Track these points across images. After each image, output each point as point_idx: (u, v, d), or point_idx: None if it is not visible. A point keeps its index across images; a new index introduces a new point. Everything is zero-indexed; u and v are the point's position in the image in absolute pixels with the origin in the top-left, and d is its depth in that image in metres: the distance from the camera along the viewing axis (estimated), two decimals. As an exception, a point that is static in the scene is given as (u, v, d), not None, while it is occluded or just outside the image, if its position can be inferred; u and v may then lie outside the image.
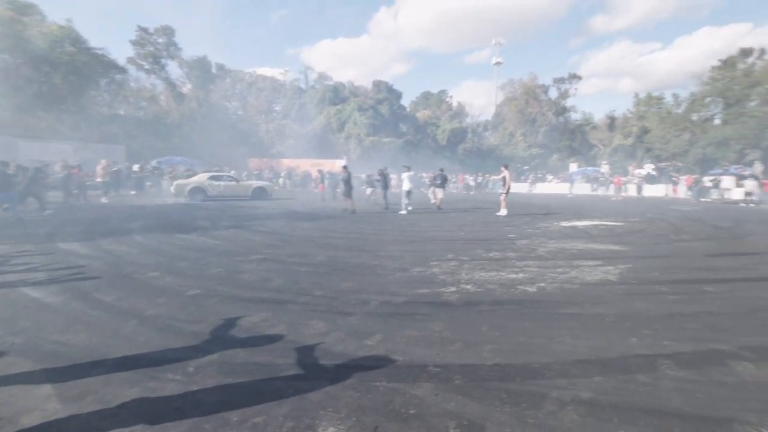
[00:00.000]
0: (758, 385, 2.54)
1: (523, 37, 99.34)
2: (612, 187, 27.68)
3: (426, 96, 56.64)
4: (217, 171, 20.64)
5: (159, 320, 3.52)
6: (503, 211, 12.62)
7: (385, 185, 15.66)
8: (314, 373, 2.64)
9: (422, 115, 49.90)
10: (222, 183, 18.11)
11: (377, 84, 47.26)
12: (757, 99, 28.13)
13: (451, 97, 58.21)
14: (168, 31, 38.97)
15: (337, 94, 45.59)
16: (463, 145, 43.69)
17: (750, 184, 18.52)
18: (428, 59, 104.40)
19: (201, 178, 18.14)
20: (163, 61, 39.84)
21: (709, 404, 2.33)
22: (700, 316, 3.73)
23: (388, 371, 2.65)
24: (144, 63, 38.67)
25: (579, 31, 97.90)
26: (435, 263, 5.75)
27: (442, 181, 15.82)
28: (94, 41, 32.56)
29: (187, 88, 42.66)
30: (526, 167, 38.72)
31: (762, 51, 29.95)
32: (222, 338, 3.16)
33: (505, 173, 12.89)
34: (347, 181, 13.48)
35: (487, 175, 35.28)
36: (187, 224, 9.92)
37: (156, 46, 38.94)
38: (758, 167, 22.08)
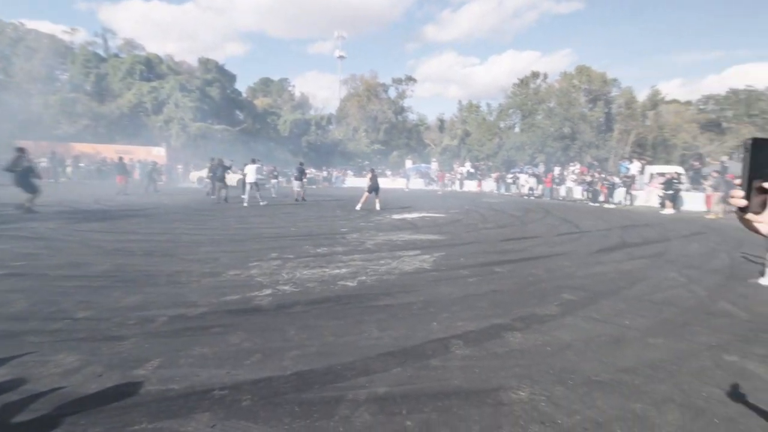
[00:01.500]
0: (522, 352, 2.92)
1: (364, 33, 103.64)
2: (439, 182, 31.53)
3: (266, 82, 52.52)
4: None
5: None
6: (377, 206, 13.26)
7: (221, 177, 14.73)
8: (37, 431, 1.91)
9: (261, 102, 46.33)
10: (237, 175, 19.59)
11: (204, 62, 40.81)
12: (542, 113, 35.97)
13: (293, 86, 55.77)
14: None
15: (151, 68, 37.89)
16: (306, 138, 42.36)
17: (531, 181, 23.37)
18: (267, 43, 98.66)
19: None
20: None
21: (484, 377, 2.53)
22: (488, 294, 4.23)
23: (155, 407, 2.11)
24: None
25: (414, 37, 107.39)
26: (255, 264, 5.24)
27: (300, 174, 16.51)
28: None
29: None
30: (367, 162, 40.55)
31: (545, 75, 38.62)
32: None
33: (369, 175, 13.91)
34: (24, 169, 9.90)
35: (332, 170, 35.88)
36: None
37: None
38: (541, 167, 28.24)
